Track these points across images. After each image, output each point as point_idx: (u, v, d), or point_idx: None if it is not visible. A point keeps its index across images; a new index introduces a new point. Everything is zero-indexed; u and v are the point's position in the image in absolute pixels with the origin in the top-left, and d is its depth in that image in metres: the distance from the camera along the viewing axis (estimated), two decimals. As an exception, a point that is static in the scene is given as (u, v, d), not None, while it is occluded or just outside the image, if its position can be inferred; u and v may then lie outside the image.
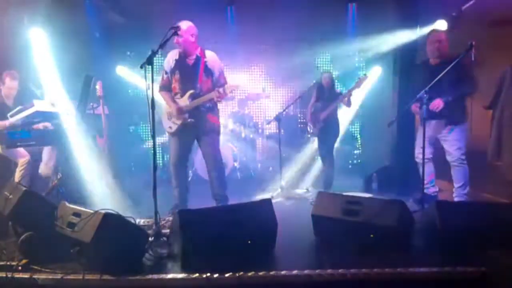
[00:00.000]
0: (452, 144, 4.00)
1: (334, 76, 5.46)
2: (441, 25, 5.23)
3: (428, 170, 4.18)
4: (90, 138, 4.51)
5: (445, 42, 4.03)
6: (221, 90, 3.80)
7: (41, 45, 4.90)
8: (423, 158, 3.77)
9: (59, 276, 2.53)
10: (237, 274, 2.53)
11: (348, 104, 5.12)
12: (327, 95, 5.23)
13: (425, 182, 3.99)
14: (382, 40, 5.99)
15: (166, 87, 4.02)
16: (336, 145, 5.46)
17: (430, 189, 4.30)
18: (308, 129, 5.55)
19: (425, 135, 3.81)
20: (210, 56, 3.97)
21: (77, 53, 5.30)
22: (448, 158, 4.06)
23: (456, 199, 4.04)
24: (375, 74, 6.74)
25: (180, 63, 3.91)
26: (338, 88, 5.49)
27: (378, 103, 6.78)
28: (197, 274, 2.53)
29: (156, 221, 3.04)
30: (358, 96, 6.85)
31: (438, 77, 3.54)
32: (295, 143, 6.98)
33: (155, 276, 2.55)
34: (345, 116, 6.88)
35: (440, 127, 4.06)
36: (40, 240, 2.83)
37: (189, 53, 3.87)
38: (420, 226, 3.15)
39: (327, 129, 5.18)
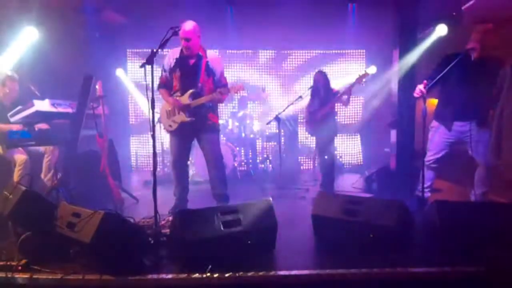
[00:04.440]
0: (486, 145, 3.77)
1: (328, 74, 5.30)
2: (442, 29, 5.28)
3: (432, 175, 4.05)
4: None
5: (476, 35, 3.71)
6: (222, 90, 3.80)
7: (34, 45, 4.94)
8: (428, 158, 3.72)
9: (59, 276, 2.53)
10: (237, 274, 2.53)
11: (346, 102, 5.02)
12: (322, 94, 5.18)
13: (425, 185, 3.95)
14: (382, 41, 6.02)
15: (164, 85, 4.02)
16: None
17: (426, 194, 4.24)
18: (306, 129, 5.51)
19: (445, 138, 3.83)
20: (212, 56, 3.97)
21: (77, 52, 5.30)
22: (480, 160, 3.79)
23: None
24: (369, 72, 6.75)
25: (181, 61, 3.91)
26: (336, 87, 5.40)
27: (376, 102, 6.80)
28: (197, 274, 2.53)
29: (156, 221, 3.04)
30: (358, 96, 6.88)
31: (436, 78, 3.50)
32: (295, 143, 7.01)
33: (155, 276, 2.55)
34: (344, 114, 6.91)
35: (466, 130, 3.77)
36: (40, 240, 2.83)
37: (193, 52, 3.88)
38: (420, 226, 3.16)
39: (325, 129, 5.14)
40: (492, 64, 3.64)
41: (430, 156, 4.02)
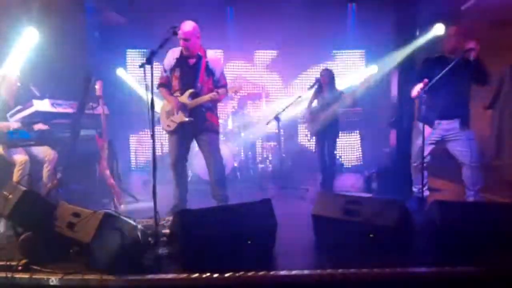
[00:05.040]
0: (473, 143, 3.78)
1: (334, 74, 5.25)
2: (439, 28, 5.29)
3: (426, 174, 4.02)
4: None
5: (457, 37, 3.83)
6: (221, 91, 3.82)
7: (34, 45, 4.95)
8: (423, 159, 3.74)
9: (59, 276, 2.53)
10: (237, 274, 2.53)
11: (354, 104, 4.97)
12: (326, 94, 5.12)
13: (419, 186, 3.97)
14: (382, 41, 6.02)
15: (165, 85, 4.03)
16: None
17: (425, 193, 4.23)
18: (307, 129, 5.49)
19: (430, 137, 3.83)
20: (212, 56, 3.98)
21: (77, 53, 5.30)
22: (464, 159, 3.80)
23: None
24: (372, 72, 6.75)
25: (181, 61, 3.92)
26: (339, 87, 5.33)
27: (377, 102, 6.79)
28: (197, 274, 2.53)
29: (156, 221, 3.04)
30: (358, 95, 6.87)
31: (437, 77, 3.48)
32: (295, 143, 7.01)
33: (155, 276, 2.54)
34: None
35: (452, 127, 3.84)
36: (40, 240, 2.83)
37: (192, 53, 3.88)
38: (420, 226, 3.15)
39: (327, 129, 5.11)
40: (473, 63, 3.65)
41: (415, 157, 4.06)
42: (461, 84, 3.65)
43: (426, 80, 3.66)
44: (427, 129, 3.88)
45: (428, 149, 3.92)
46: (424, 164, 3.96)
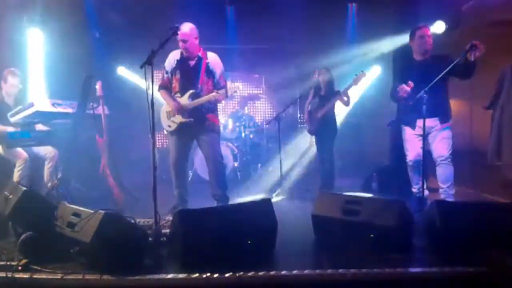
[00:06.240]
0: (445, 142, 3.89)
1: (332, 73, 5.23)
2: (439, 26, 5.28)
3: (418, 175, 4.07)
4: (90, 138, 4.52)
5: (431, 37, 3.94)
6: (220, 92, 3.83)
7: (37, 46, 4.95)
8: (422, 158, 3.75)
9: (59, 276, 2.53)
10: (237, 274, 2.53)
11: (347, 102, 5.00)
12: (324, 93, 5.13)
13: (420, 184, 3.98)
14: (382, 40, 6.02)
15: (165, 87, 4.04)
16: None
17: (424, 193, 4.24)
18: (306, 128, 5.49)
19: (415, 136, 3.89)
20: (212, 57, 3.99)
21: (77, 53, 5.30)
22: (438, 157, 3.90)
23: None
24: (374, 73, 6.74)
25: (182, 63, 3.93)
26: (337, 86, 5.32)
27: (378, 102, 6.78)
28: (197, 274, 2.53)
29: (156, 221, 3.04)
30: (358, 95, 6.87)
31: (437, 78, 3.48)
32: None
33: (155, 276, 2.55)
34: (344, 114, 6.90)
35: (432, 125, 3.90)
36: (40, 240, 2.83)
37: (192, 54, 3.89)
38: (420, 226, 3.15)
39: (325, 128, 5.10)
40: (446, 61, 3.70)
41: (408, 157, 4.10)
42: (438, 82, 3.62)
43: (410, 82, 3.75)
44: (410, 131, 3.98)
45: (418, 145, 3.92)
46: (416, 164, 3.98)
